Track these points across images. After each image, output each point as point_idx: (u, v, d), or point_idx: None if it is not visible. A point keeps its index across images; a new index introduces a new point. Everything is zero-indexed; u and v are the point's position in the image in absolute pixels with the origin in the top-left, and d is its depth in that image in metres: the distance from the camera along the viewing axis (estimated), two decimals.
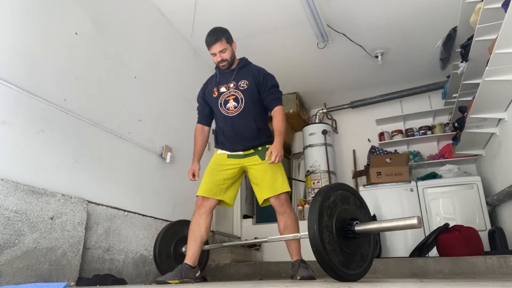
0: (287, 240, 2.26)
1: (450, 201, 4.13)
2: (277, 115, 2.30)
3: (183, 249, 2.49)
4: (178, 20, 3.73)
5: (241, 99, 2.29)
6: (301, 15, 3.61)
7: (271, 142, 2.26)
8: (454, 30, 3.52)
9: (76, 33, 2.50)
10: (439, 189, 4.23)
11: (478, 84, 2.97)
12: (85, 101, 2.50)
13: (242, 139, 2.32)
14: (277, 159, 2.13)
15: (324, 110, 5.72)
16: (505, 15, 2.25)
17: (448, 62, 4.00)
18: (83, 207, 2.22)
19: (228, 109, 2.31)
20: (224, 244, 2.54)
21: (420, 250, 3.47)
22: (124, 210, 2.64)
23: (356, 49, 4.29)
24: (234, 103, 2.31)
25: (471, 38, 3.00)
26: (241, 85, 2.31)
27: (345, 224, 1.62)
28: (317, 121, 5.58)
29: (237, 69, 2.37)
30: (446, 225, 3.47)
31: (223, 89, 2.35)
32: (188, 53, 4.03)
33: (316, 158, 5.10)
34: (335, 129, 5.77)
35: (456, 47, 3.60)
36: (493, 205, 3.85)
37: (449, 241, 3.27)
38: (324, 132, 5.19)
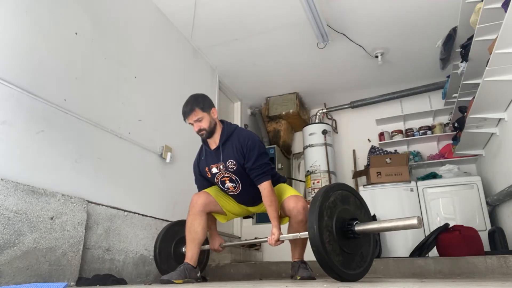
0: (292, 242, 2.26)
1: (450, 201, 4.13)
2: (266, 194, 2.13)
3: (183, 249, 2.49)
4: (178, 20, 3.73)
5: (236, 179, 2.22)
6: (301, 15, 3.61)
7: (279, 182, 2.34)
8: (454, 30, 3.52)
9: (76, 33, 2.50)
10: (439, 189, 4.23)
11: (478, 84, 2.97)
12: (85, 101, 2.50)
13: (249, 203, 2.41)
14: (276, 244, 2.12)
15: (324, 110, 5.72)
16: (505, 15, 2.25)
17: (448, 62, 4.00)
18: (83, 207, 2.22)
19: (228, 188, 2.29)
20: (225, 244, 2.53)
21: (420, 250, 3.47)
22: (124, 210, 2.64)
23: (356, 49, 4.29)
24: (231, 183, 2.25)
25: (471, 38, 3.00)
26: (230, 167, 2.19)
27: (345, 224, 1.62)
28: (317, 121, 5.58)
29: (221, 147, 2.21)
30: (446, 225, 3.47)
31: (214, 170, 2.25)
32: (188, 53, 4.03)
33: (316, 158, 5.10)
34: (335, 129, 5.77)
35: (456, 47, 3.60)
36: (493, 205, 3.85)
37: (449, 241, 3.27)
38: (324, 132, 5.19)
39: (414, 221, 1.44)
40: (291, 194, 2.23)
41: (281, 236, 2.10)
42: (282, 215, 2.29)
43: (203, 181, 2.38)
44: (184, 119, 2.18)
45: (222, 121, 2.28)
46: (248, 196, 2.32)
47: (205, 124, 2.16)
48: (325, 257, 1.50)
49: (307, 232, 1.58)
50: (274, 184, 2.28)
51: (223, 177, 2.24)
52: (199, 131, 2.18)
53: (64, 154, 2.27)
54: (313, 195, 4.85)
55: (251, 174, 2.16)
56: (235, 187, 2.27)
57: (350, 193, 1.76)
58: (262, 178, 2.14)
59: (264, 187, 2.14)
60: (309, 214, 1.57)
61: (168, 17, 3.69)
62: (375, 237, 1.83)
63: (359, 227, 1.61)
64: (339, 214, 1.61)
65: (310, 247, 1.57)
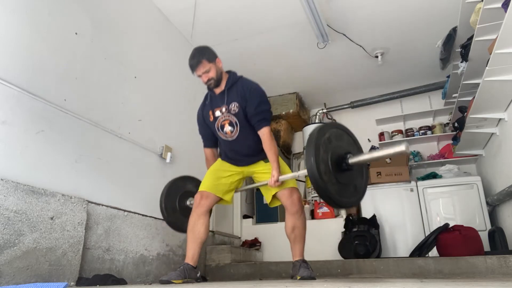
0: (290, 238, 2.27)
1: (450, 201, 4.14)
2: (265, 139, 2.23)
3: (188, 202, 2.60)
4: (178, 20, 3.73)
5: (235, 123, 2.27)
6: (301, 15, 3.61)
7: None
8: (454, 30, 3.52)
9: (76, 33, 2.50)
10: (439, 189, 4.23)
11: (478, 84, 2.97)
12: (85, 101, 2.50)
13: (244, 157, 2.37)
14: (275, 184, 2.18)
15: (324, 110, 5.72)
16: (505, 15, 2.26)
17: (448, 62, 4.00)
18: (83, 207, 2.22)
19: (225, 133, 2.31)
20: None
21: (420, 250, 3.47)
22: (124, 210, 2.64)
23: (356, 49, 4.29)
24: (229, 127, 2.29)
25: (471, 38, 3.00)
26: (233, 109, 2.26)
27: (340, 157, 1.74)
28: (317, 121, 5.57)
29: (226, 91, 2.29)
30: (446, 225, 3.47)
31: (217, 113, 2.32)
32: (188, 53, 4.00)
33: None
34: None
35: (456, 47, 3.60)
36: (493, 205, 3.85)
37: (449, 241, 3.27)
38: None
39: (402, 147, 1.54)
40: (288, 187, 2.27)
41: (280, 177, 2.17)
42: (276, 198, 2.34)
43: (206, 129, 2.44)
44: (192, 72, 2.27)
45: (228, 71, 2.38)
46: (244, 145, 2.31)
47: (212, 74, 2.25)
48: (322, 186, 1.63)
49: (305, 170, 1.71)
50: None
51: (224, 120, 2.29)
52: (207, 81, 2.27)
53: (64, 154, 2.27)
54: (313, 195, 4.86)
55: (252, 120, 2.24)
56: (232, 132, 2.29)
57: (343, 132, 1.88)
58: (262, 124, 2.23)
59: (264, 133, 2.23)
60: (306, 149, 1.69)
61: (168, 17, 3.69)
62: (367, 173, 1.95)
63: (352, 159, 1.72)
64: (334, 150, 1.73)
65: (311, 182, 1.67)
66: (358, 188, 1.84)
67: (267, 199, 2.36)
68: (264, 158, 2.34)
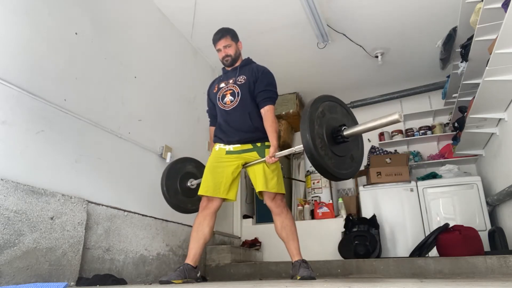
0: (284, 239, 2.27)
1: (450, 201, 4.13)
2: (268, 115, 2.30)
3: (188, 183, 2.64)
4: (178, 20, 3.73)
5: (238, 93, 2.35)
6: (301, 15, 3.61)
7: (268, 139, 2.33)
8: (454, 30, 3.52)
9: (76, 33, 2.50)
10: (439, 189, 4.23)
11: (478, 84, 2.97)
12: (85, 101, 2.50)
13: (237, 130, 2.35)
14: (272, 160, 2.20)
15: None
16: (505, 15, 2.25)
17: (448, 62, 4.00)
18: (83, 207, 2.22)
19: (225, 103, 2.37)
20: None
21: (420, 250, 3.47)
22: (124, 210, 2.64)
23: (356, 49, 4.29)
24: (230, 97, 2.36)
25: (471, 38, 3.00)
26: (239, 80, 2.38)
27: (335, 131, 1.76)
28: None
29: (239, 68, 2.44)
30: (446, 225, 3.47)
31: (222, 85, 2.43)
32: (188, 53, 4.03)
33: None
34: None
35: (456, 47, 3.60)
36: (493, 205, 3.85)
37: (449, 241, 3.27)
38: None
39: (396, 116, 1.57)
40: (273, 191, 2.27)
41: (276, 153, 2.20)
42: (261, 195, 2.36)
43: (212, 108, 2.52)
44: (214, 44, 2.43)
45: (246, 58, 2.53)
46: (239, 118, 2.32)
47: (231, 51, 2.42)
48: (319, 161, 1.63)
49: (301, 145, 1.72)
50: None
51: (226, 90, 2.39)
52: (225, 57, 2.42)
53: (64, 154, 2.27)
54: (313, 195, 4.86)
55: (259, 96, 2.33)
56: (232, 101, 2.35)
57: (336, 103, 1.88)
58: (268, 101, 2.32)
59: (268, 109, 2.31)
60: (300, 124, 1.69)
61: (168, 17, 3.69)
62: (362, 142, 1.97)
63: (347, 131, 1.74)
64: (328, 123, 1.74)
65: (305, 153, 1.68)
66: (355, 158, 1.87)
67: (256, 189, 2.35)
68: (259, 140, 2.33)
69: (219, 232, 4.08)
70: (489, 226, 3.78)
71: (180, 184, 2.61)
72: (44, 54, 2.24)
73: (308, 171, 5.15)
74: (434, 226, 3.88)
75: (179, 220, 3.24)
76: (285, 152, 2.20)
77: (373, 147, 5.24)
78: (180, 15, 3.67)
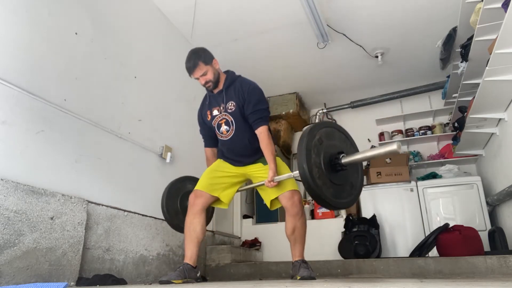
0: (290, 239, 2.26)
1: (450, 201, 4.14)
2: (262, 138, 2.21)
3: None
4: (178, 20, 3.73)
5: (231, 122, 2.27)
6: (301, 15, 3.61)
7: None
8: (454, 30, 3.52)
9: (76, 33, 2.50)
10: (439, 189, 4.23)
11: (478, 84, 2.97)
12: (85, 101, 2.50)
13: (241, 157, 2.35)
14: (270, 184, 2.15)
15: (324, 110, 5.72)
16: (505, 15, 2.25)
17: (448, 62, 4.00)
18: (83, 207, 2.22)
19: (222, 132, 2.32)
20: None
21: (420, 250, 3.47)
22: (124, 210, 2.64)
23: (356, 49, 4.29)
24: (226, 127, 2.29)
25: (471, 38, 3.00)
26: (229, 108, 2.26)
27: (333, 159, 1.72)
28: (317, 121, 5.57)
29: (224, 90, 2.29)
30: (446, 225, 3.47)
31: (215, 112, 2.32)
32: None
33: None
34: None
35: (456, 47, 3.60)
36: (493, 205, 3.85)
37: (449, 241, 3.28)
38: None
39: (394, 147, 1.53)
40: (288, 189, 2.24)
41: (275, 177, 2.15)
42: (277, 201, 2.31)
43: (206, 129, 2.44)
44: (190, 75, 2.25)
45: (226, 71, 2.37)
46: (239, 145, 2.30)
47: (210, 76, 2.24)
48: (317, 191, 1.59)
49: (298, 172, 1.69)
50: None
51: (221, 119, 2.30)
52: (205, 84, 2.26)
53: (64, 154, 2.27)
54: None
55: (250, 118, 2.23)
56: (228, 131, 2.30)
57: (334, 129, 1.85)
58: (260, 123, 2.22)
59: (261, 131, 2.21)
60: (297, 154, 1.66)
61: (168, 17, 3.69)
62: (362, 168, 1.93)
63: (345, 159, 1.70)
64: (326, 150, 1.71)
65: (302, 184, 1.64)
66: (355, 185, 1.83)
67: (266, 202, 2.33)
68: (261, 158, 2.32)
69: (219, 232, 4.08)
70: (489, 226, 3.78)
71: (181, 203, 2.53)
72: (44, 54, 2.24)
73: None
74: (434, 226, 3.88)
75: None
76: (284, 176, 2.12)
77: (373, 147, 5.24)
78: (180, 15, 3.67)
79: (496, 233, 3.38)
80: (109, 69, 2.78)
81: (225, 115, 2.28)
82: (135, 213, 2.76)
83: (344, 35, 4.03)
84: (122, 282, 2.28)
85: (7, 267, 1.75)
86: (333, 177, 1.69)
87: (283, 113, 5.39)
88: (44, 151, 2.13)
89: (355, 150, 1.88)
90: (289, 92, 5.42)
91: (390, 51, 4.43)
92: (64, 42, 2.40)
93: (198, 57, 2.21)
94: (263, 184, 2.20)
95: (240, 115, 2.25)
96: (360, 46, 4.24)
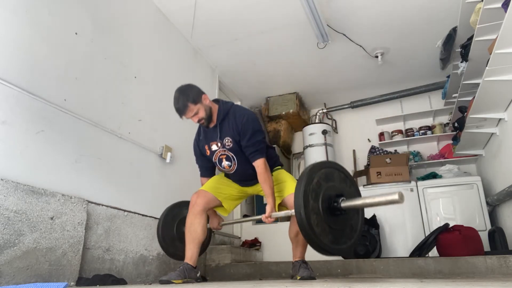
0: (293, 241, 2.26)
1: (450, 201, 4.13)
2: (260, 172, 2.16)
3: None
4: (178, 20, 3.73)
5: (232, 157, 2.24)
6: (301, 15, 3.61)
7: (276, 164, 2.37)
8: (454, 30, 3.52)
9: (76, 33, 2.50)
10: (439, 189, 4.23)
11: (478, 84, 2.97)
12: (85, 101, 2.50)
13: (248, 181, 2.37)
14: (268, 220, 2.12)
15: (324, 110, 5.72)
16: (505, 15, 2.25)
17: (448, 62, 4.00)
18: (83, 207, 2.22)
19: (224, 167, 2.31)
20: (223, 223, 2.52)
21: (420, 250, 3.47)
22: (124, 210, 2.64)
23: (356, 49, 4.29)
24: (227, 162, 2.27)
25: (471, 38, 3.00)
26: (227, 144, 2.22)
27: (331, 202, 1.66)
28: (317, 121, 5.58)
29: (218, 125, 2.23)
30: (446, 225, 3.47)
31: (214, 147, 2.27)
32: (188, 53, 4.03)
33: (316, 158, 5.09)
34: (335, 129, 5.77)
35: (456, 47, 3.60)
36: (493, 205, 3.85)
37: (449, 241, 3.28)
38: (324, 132, 5.19)
39: (395, 197, 1.48)
40: (292, 192, 2.23)
41: (273, 213, 2.11)
42: (282, 205, 2.30)
43: (204, 160, 2.40)
44: (180, 117, 2.18)
45: (217, 101, 2.28)
46: (244, 174, 2.31)
47: (202, 114, 2.17)
48: (315, 240, 1.54)
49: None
50: (272, 166, 2.32)
51: (221, 155, 2.26)
52: (199, 121, 2.21)
53: (64, 154, 2.27)
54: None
55: (246, 151, 2.19)
56: (230, 166, 2.28)
57: (333, 169, 1.78)
58: (256, 156, 2.16)
59: (258, 165, 2.16)
60: (294, 199, 1.59)
61: (168, 17, 3.69)
62: (363, 208, 1.88)
63: (345, 204, 1.64)
64: (325, 193, 1.64)
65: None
66: (355, 227, 1.76)
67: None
68: (273, 169, 2.33)
69: (219, 232, 4.08)
70: (489, 226, 3.78)
71: (177, 230, 2.49)
72: (44, 54, 2.24)
73: None
74: (434, 226, 3.88)
75: None
76: (282, 213, 2.07)
77: (373, 147, 5.24)
78: (180, 15, 3.67)
79: (496, 233, 3.38)
80: (109, 69, 2.78)
81: (224, 150, 2.24)
82: (135, 213, 2.76)
83: (344, 35, 4.03)
84: (122, 282, 2.28)
85: (7, 267, 1.75)
86: (332, 222, 1.63)
87: (283, 113, 5.39)
88: (44, 151, 2.13)
89: (355, 189, 1.82)
90: (289, 92, 5.42)
91: (390, 51, 4.43)
92: (64, 42, 2.40)
93: (187, 98, 2.12)
94: (260, 219, 2.14)
95: (239, 149, 2.21)
96: (360, 46, 4.24)
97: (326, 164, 1.80)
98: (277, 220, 4.69)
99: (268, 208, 2.11)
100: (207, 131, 2.29)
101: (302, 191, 1.56)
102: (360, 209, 1.83)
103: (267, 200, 2.15)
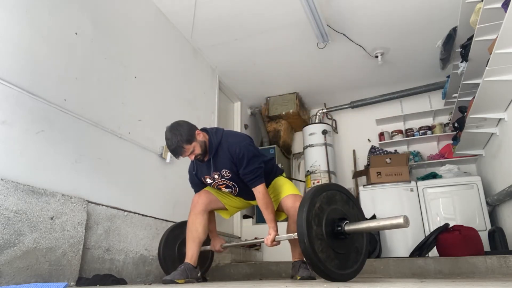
0: (291, 242, 2.26)
1: (450, 201, 4.14)
2: (260, 198, 2.14)
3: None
4: (178, 20, 3.73)
5: (232, 185, 2.27)
6: (301, 15, 3.61)
7: (276, 175, 2.37)
8: (454, 30, 3.52)
9: (76, 33, 2.50)
10: (439, 189, 4.23)
11: (478, 84, 2.97)
12: (85, 101, 2.50)
13: (249, 199, 2.39)
14: (271, 244, 2.12)
15: (324, 110, 5.72)
16: (505, 15, 2.26)
17: (448, 62, 4.00)
18: (83, 207, 2.22)
19: (224, 193, 2.37)
20: (225, 244, 2.52)
21: (420, 250, 3.47)
22: (124, 210, 2.64)
23: (356, 49, 4.29)
24: (227, 189, 2.30)
25: (471, 38, 3.00)
26: (225, 175, 2.21)
27: (335, 227, 1.63)
28: (317, 121, 5.58)
29: (212, 159, 2.18)
30: (446, 225, 3.47)
31: (208, 180, 2.27)
32: (188, 53, 4.03)
33: (316, 158, 5.10)
34: (335, 129, 5.77)
35: (456, 47, 3.60)
36: (493, 205, 3.85)
37: (449, 241, 3.28)
38: (324, 132, 5.19)
39: (400, 221, 1.48)
40: (289, 193, 2.24)
41: (277, 236, 2.11)
42: (280, 210, 2.32)
43: (198, 182, 2.37)
44: (177, 158, 2.14)
45: (205, 131, 2.20)
46: (247, 195, 2.33)
47: (198, 151, 2.12)
48: (320, 267, 1.51)
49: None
50: (271, 179, 2.33)
51: (219, 185, 2.28)
52: (195, 158, 2.16)
53: (64, 154, 2.27)
54: None
55: (244, 179, 2.17)
56: (232, 192, 2.32)
57: (335, 191, 1.75)
58: (255, 182, 2.14)
59: (258, 191, 2.14)
60: (297, 226, 1.56)
61: (168, 17, 3.69)
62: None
63: (349, 227, 1.62)
64: (328, 217, 1.62)
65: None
66: (360, 250, 1.73)
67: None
68: (270, 183, 2.34)
69: (219, 232, 4.07)
70: (489, 226, 3.78)
71: (178, 251, 2.47)
72: (44, 54, 2.24)
73: (308, 171, 5.15)
74: (434, 226, 3.88)
75: (179, 220, 3.23)
76: (284, 237, 2.05)
77: (373, 147, 5.24)
78: (180, 15, 3.67)
79: (496, 233, 3.39)
80: (109, 69, 2.78)
81: (223, 181, 2.25)
82: (135, 213, 2.76)
83: (344, 35, 4.03)
84: (122, 282, 2.28)
85: (7, 267, 1.75)
86: (337, 246, 1.60)
87: (283, 113, 5.39)
88: (44, 151, 2.13)
89: (358, 210, 1.80)
90: (289, 92, 5.42)
91: (390, 51, 4.43)
92: (64, 42, 2.40)
93: (181, 140, 2.04)
94: (263, 241, 2.15)
95: (238, 177, 2.20)
96: (360, 46, 4.24)
97: (327, 186, 1.76)
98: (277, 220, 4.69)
99: (271, 232, 2.10)
100: (202, 165, 2.26)
101: (305, 218, 1.53)
102: (364, 233, 1.80)
103: (269, 224, 2.14)
